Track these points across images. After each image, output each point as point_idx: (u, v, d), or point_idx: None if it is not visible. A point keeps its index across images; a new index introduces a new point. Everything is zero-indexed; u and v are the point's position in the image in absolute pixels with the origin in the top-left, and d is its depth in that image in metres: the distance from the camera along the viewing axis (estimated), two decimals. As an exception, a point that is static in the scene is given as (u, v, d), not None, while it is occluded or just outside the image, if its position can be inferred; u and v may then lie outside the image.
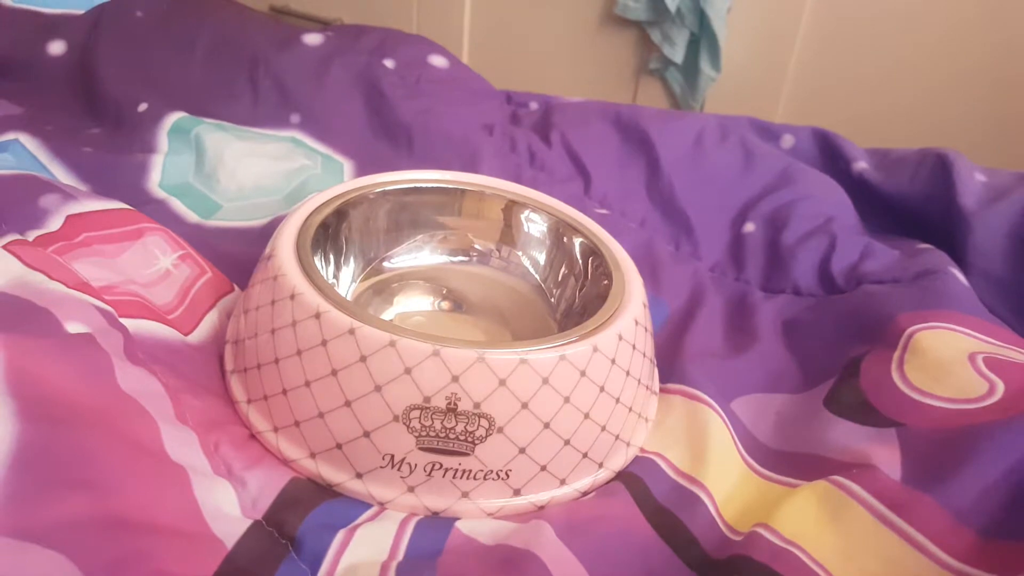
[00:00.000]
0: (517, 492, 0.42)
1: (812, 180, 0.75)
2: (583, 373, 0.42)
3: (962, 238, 0.67)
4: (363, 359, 0.39)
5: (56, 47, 0.79)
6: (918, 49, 1.15)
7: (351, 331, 0.39)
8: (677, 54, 1.26)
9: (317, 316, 0.40)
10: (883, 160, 0.78)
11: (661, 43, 1.27)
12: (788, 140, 0.83)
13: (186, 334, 0.47)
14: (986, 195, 0.68)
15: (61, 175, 0.62)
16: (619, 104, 0.84)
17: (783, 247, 0.69)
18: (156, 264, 0.49)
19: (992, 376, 0.47)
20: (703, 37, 1.24)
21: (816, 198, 0.73)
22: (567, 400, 0.41)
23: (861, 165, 0.77)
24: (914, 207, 0.73)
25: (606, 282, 0.50)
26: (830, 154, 0.81)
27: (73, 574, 0.28)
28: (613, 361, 0.43)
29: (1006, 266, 0.65)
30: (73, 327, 0.38)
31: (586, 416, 0.42)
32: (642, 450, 0.48)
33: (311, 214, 0.50)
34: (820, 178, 0.76)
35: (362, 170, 0.72)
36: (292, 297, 0.42)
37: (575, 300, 0.55)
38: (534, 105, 0.90)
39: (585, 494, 0.44)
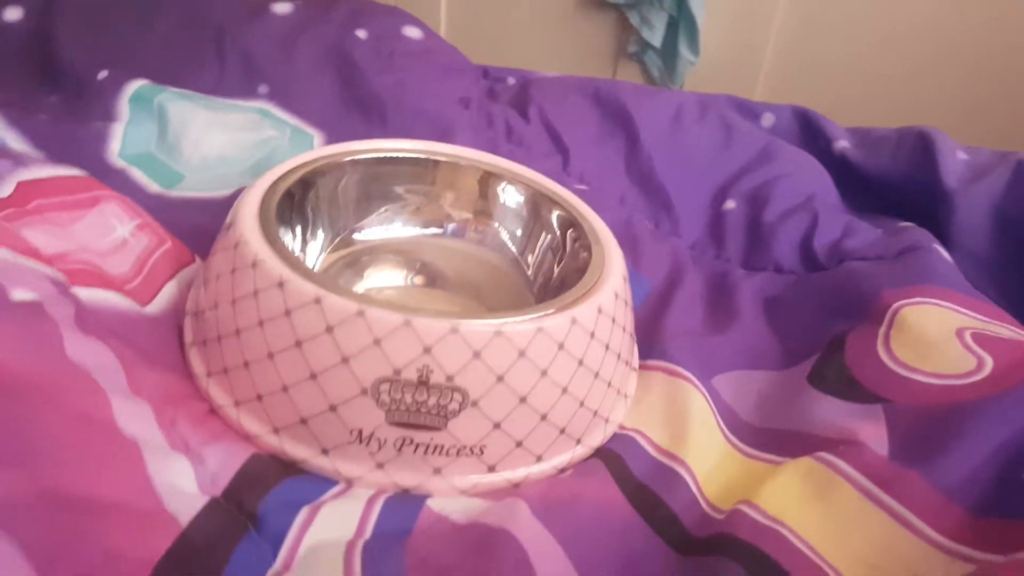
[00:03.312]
0: (492, 469, 0.40)
1: (793, 158, 0.74)
2: (561, 346, 0.40)
3: (945, 217, 0.66)
4: (329, 329, 0.37)
5: (12, 13, 0.75)
6: (896, 29, 1.15)
7: (316, 300, 0.37)
8: (656, 37, 1.25)
9: (280, 285, 0.38)
10: (864, 139, 0.77)
11: (640, 26, 1.25)
12: (768, 119, 0.82)
13: (143, 305, 0.45)
14: (968, 173, 0.68)
15: (16, 143, 0.59)
16: (598, 79, 0.82)
17: (764, 224, 0.68)
18: (113, 233, 0.47)
19: (980, 351, 0.46)
20: (682, 20, 1.23)
21: (797, 176, 0.72)
22: (544, 374, 0.40)
23: (842, 144, 0.76)
24: (896, 186, 0.72)
25: (585, 255, 0.48)
26: (811, 133, 0.80)
27: (13, 554, 0.26)
28: (592, 334, 0.42)
29: (990, 244, 0.64)
30: (19, 294, 0.35)
31: (564, 391, 0.41)
32: (621, 427, 0.46)
33: (276, 181, 0.47)
34: (801, 156, 0.75)
35: (333, 143, 0.69)
36: (254, 265, 0.39)
37: (553, 274, 0.54)
38: (511, 80, 0.88)
39: (562, 471, 0.43)
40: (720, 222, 0.70)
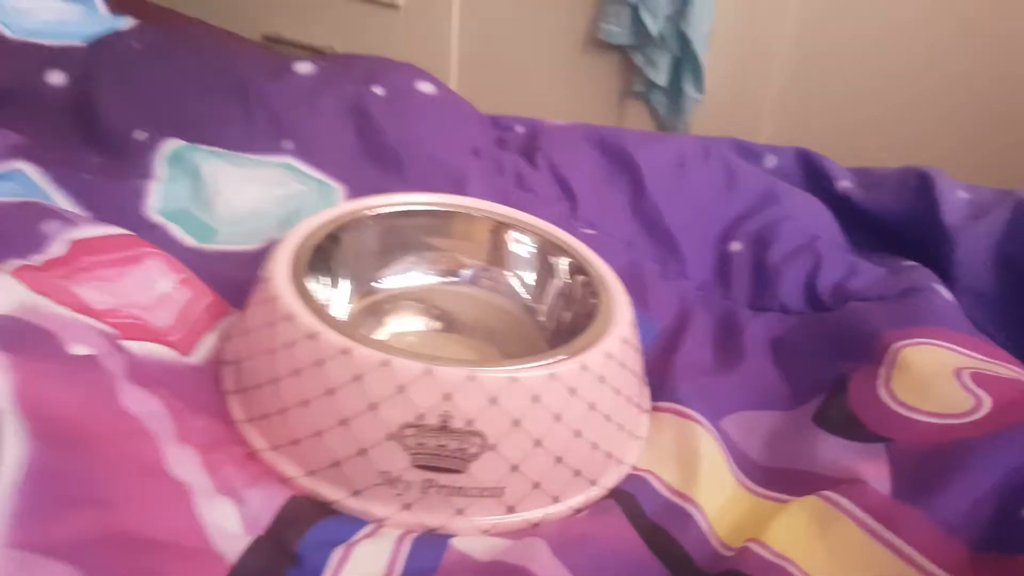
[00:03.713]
0: (511, 509, 0.43)
1: (796, 199, 0.76)
2: (573, 391, 0.43)
3: (947, 255, 0.68)
4: (357, 378, 0.40)
5: (56, 78, 0.79)
6: (899, 66, 1.18)
7: (345, 351, 0.40)
8: (660, 77, 1.28)
9: (312, 337, 0.41)
10: (866, 178, 0.79)
11: (644, 66, 1.29)
12: (771, 160, 0.84)
13: (186, 355, 0.48)
14: (969, 212, 0.69)
15: (62, 202, 0.63)
16: (603, 127, 0.85)
17: (769, 266, 0.70)
18: (156, 288, 0.50)
19: (978, 391, 0.48)
20: (685, 60, 1.26)
21: (800, 217, 0.74)
22: (558, 418, 0.42)
23: (844, 184, 0.79)
24: (898, 224, 0.74)
25: (593, 301, 0.51)
26: (813, 173, 0.82)
27: None
28: (602, 379, 0.44)
29: (990, 281, 0.66)
30: (77, 349, 0.39)
31: (577, 434, 0.43)
32: (634, 468, 0.49)
33: (306, 237, 0.51)
34: (804, 197, 0.77)
35: (354, 195, 0.73)
36: (288, 319, 0.42)
37: (564, 319, 0.56)
38: (520, 129, 0.91)
39: (578, 511, 0.45)
40: (726, 263, 0.72)
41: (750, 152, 0.84)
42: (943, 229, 0.69)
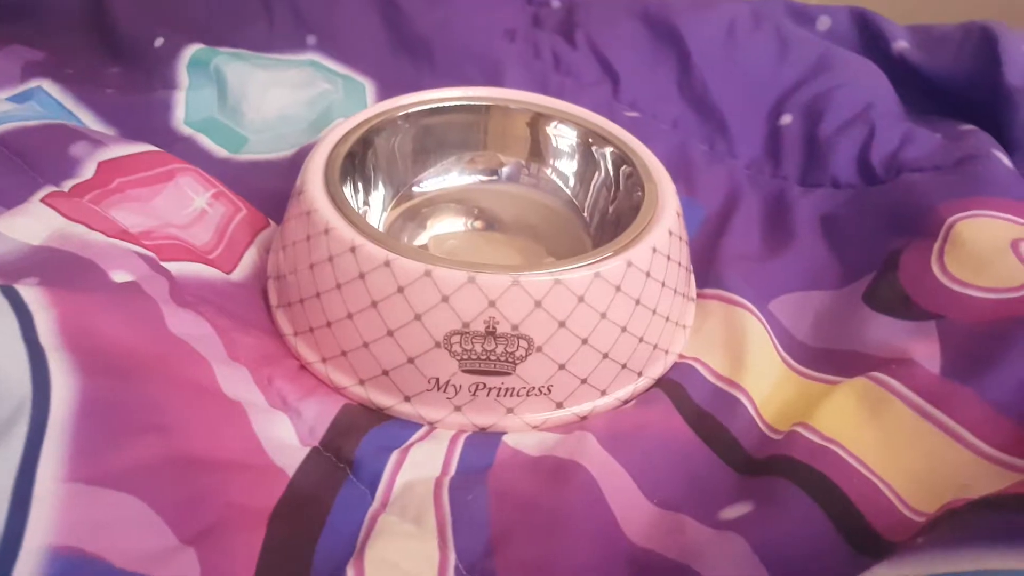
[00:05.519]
0: (560, 405, 0.44)
1: (850, 65, 0.72)
2: (618, 288, 0.42)
3: (1009, 117, 0.64)
4: (400, 290, 0.40)
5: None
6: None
7: (386, 263, 0.40)
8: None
9: (352, 250, 0.41)
10: (925, 38, 0.74)
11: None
12: (824, 22, 0.79)
13: (228, 272, 0.48)
14: (1035, 69, 0.65)
15: (87, 120, 0.62)
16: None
17: (821, 138, 0.67)
18: (191, 205, 0.50)
19: (1036, 263, 0.46)
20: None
21: (854, 84, 0.70)
22: (603, 316, 0.42)
23: (901, 44, 0.74)
24: (958, 86, 0.70)
25: (639, 193, 0.49)
26: (869, 35, 0.77)
27: (147, 514, 0.30)
28: (648, 274, 0.44)
29: (1055, 144, 0.62)
30: (119, 276, 0.39)
31: (623, 329, 0.43)
32: (680, 356, 0.49)
33: (336, 144, 0.50)
34: (859, 62, 0.73)
35: (384, 90, 0.71)
36: (326, 232, 0.42)
37: (608, 212, 0.55)
38: (556, 2, 0.87)
39: (626, 402, 0.46)
40: (776, 138, 0.69)
41: (802, 15, 0.79)
42: (1005, 90, 0.64)
